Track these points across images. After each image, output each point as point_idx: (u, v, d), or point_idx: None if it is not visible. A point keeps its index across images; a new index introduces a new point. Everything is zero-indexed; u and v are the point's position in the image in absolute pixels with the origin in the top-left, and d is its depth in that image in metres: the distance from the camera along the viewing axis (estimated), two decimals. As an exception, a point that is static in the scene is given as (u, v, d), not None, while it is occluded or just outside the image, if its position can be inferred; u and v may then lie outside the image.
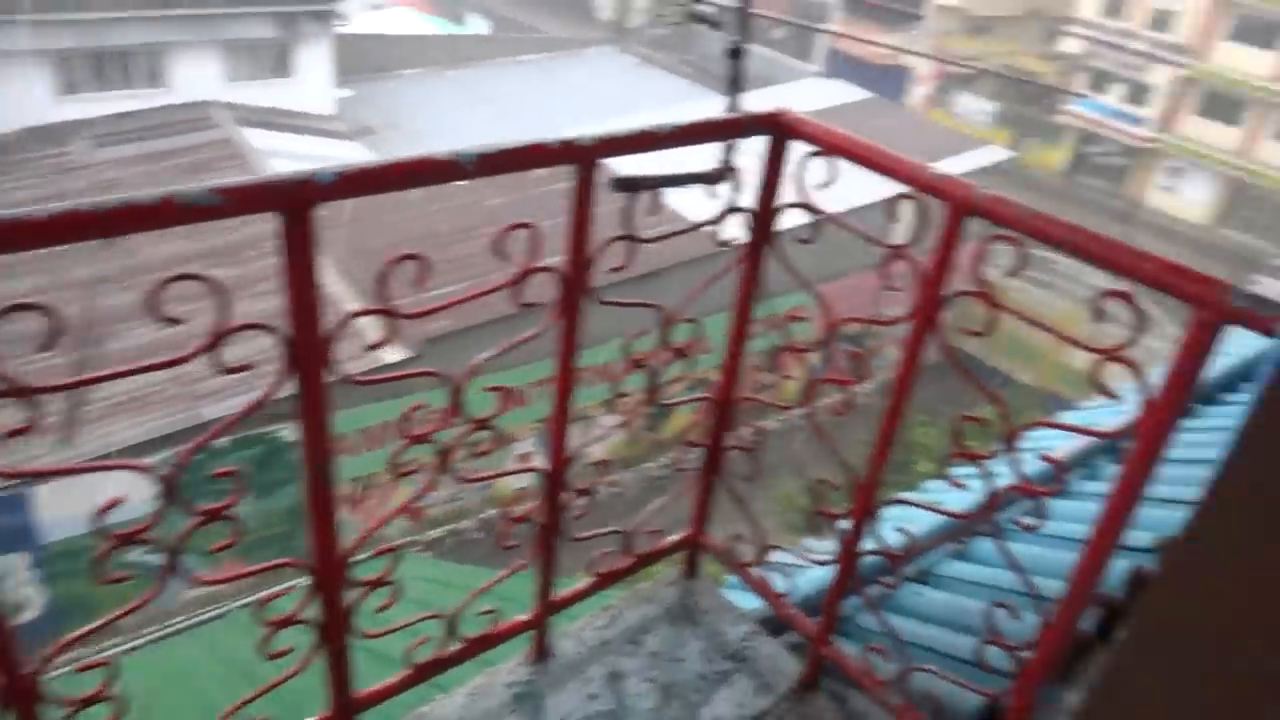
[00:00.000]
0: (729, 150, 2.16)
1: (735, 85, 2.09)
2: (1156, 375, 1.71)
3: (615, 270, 2.01)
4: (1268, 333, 1.59)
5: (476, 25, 39.13)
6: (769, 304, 2.34)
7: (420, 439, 1.88)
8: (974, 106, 36.36)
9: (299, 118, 21.02)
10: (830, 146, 2.04)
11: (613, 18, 40.54)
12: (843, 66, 32.00)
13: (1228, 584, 0.88)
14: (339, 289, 12.66)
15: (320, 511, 1.75)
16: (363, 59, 24.23)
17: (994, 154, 21.58)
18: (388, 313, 1.64)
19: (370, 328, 1.68)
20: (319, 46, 21.42)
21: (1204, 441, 3.83)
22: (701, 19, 2.02)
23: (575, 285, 1.94)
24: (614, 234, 1.96)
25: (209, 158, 18.04)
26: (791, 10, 44.83)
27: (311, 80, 21.58)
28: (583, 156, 1.81)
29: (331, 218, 13.22)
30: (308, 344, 1.57)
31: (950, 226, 1.86)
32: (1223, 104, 31.75)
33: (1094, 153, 35.11)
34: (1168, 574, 1.06)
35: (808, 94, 21.79)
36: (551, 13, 47.76)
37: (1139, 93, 33.48)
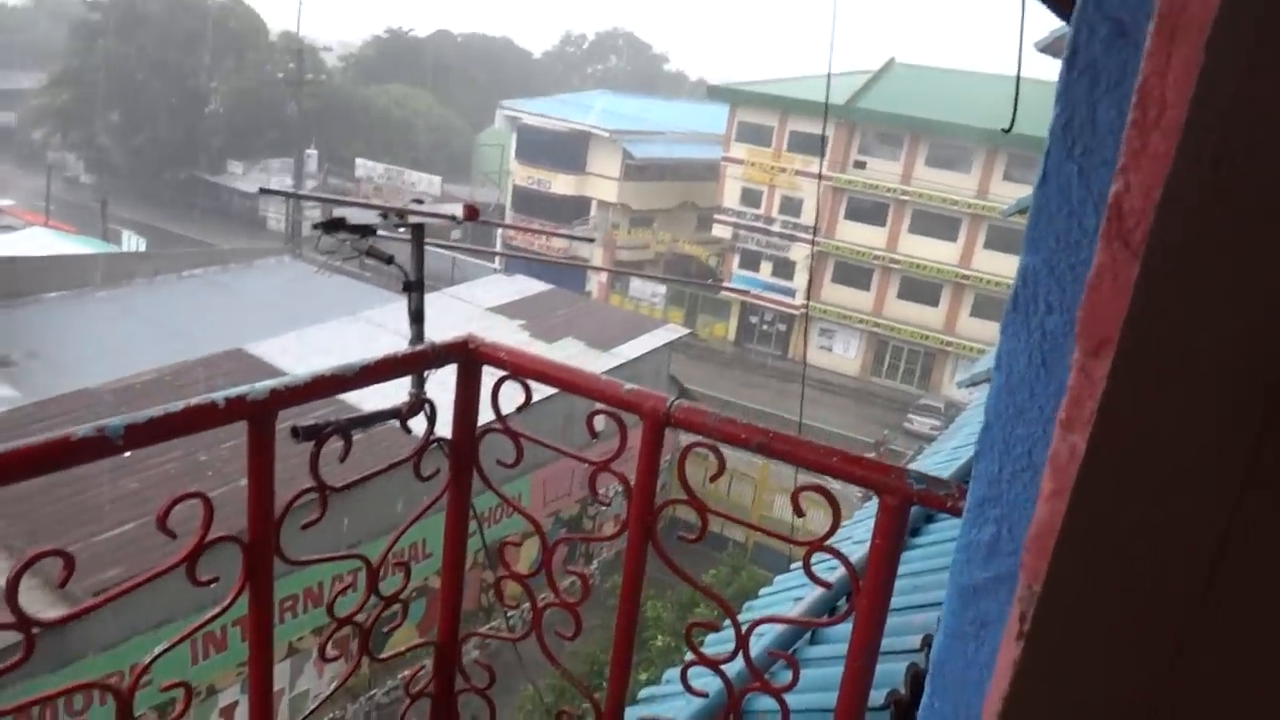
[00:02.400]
0: (420, 382, 2.07)
1: (418, 319, 2.04)
2: (859, 553, 1.79)
3: (308, 526, 1.82)
4: (945, 509, 1.74)
5: (132, 243, 36.83)
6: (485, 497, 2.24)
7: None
8: (647, 290, 39.35)
9: (-84, 353, 18.33)
10: (521, 370, 2.02)
11: (284, 229, 39.99)
12: (520, 262, 33.51)
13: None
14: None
15: None
16: (-3, 284, 21.84)
17: (673, 332, 23.27)
18: (25, 623, 1.34)
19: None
20: (-60, 274, 19.05)
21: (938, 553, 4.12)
22: (373, 254, 1.96)
23: (260, 550, 1.72)
24: (303, 487, 1.78)
25: None
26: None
27: (-68, 311, 19.03)
28: (256, 412, 1.64)
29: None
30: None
31: (648, 439, 1.88)
32: (852, 272, 36.90)
33: (756, 322, 39.10)
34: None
35: (492, 290, 22.48)
36: (221, 226, 46.34)
37: (783, 267, 38.05)
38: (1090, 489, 0.62)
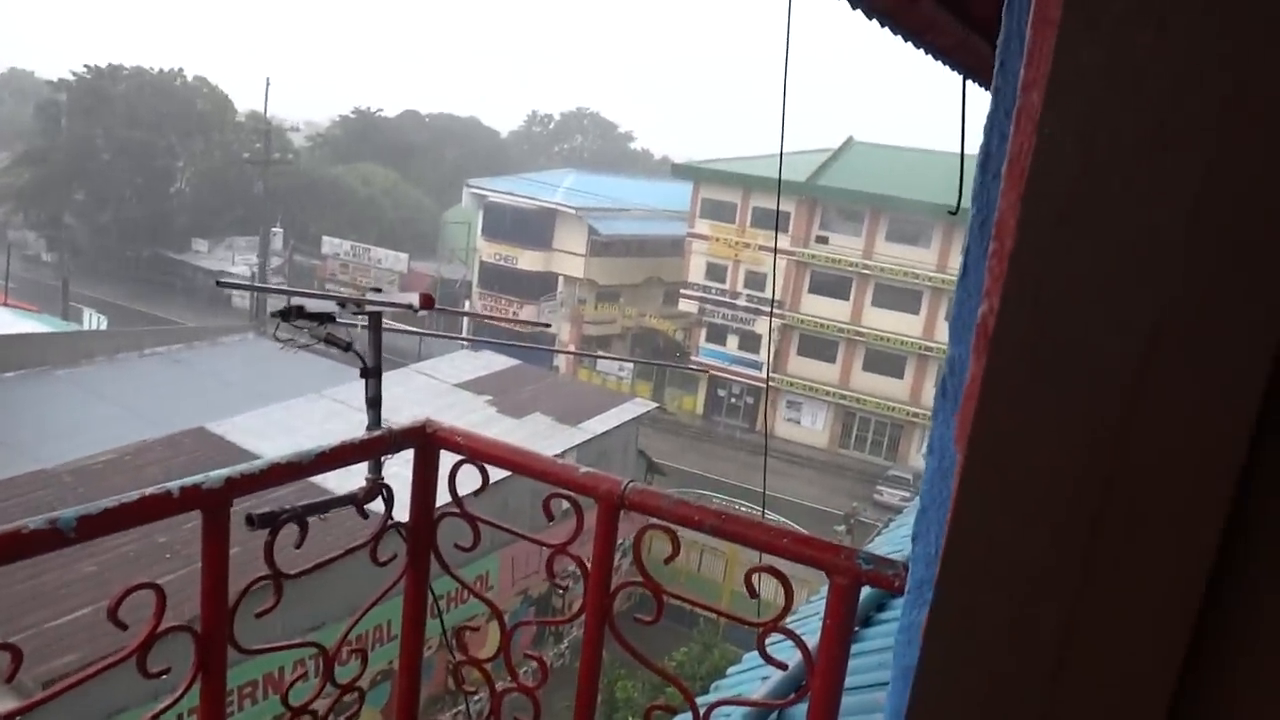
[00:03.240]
0: (377, 467, 2.09)
1: (375, 405, 2.06)
2: (813, 634, 1.81)
3: (263, 614, 1.81)
4: (893, 590, 1.77)
5: (93, 321, 36.45)
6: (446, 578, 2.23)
7: None
8: (615, 364, 39.47)
9: None
10: (478, 454, 2.04)
11: (249, 306, 39.83)
12: (483, 334, 33.55)
13: None
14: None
15: None
16: (-48, 363, 21.47)
17: (641, 406, 23.32)
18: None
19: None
20: (-107, 354, 18.72)
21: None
22: (332, 341, 1.99)
23: (214, 640, 1.71)
24: (257, 575, 1.78)
25: None
26: (431, 289, 46.90)
27: (-117, 392, 18.63)
28: (210, 502, 1.65)
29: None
30: None
31: (604, 522, 1.91)
32: (818, 344, 37.34)
33: (724, 395, 39.28)
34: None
35: (460, 366, 22.46)
36: (185, 305, 46.08)
37: (750, 341, 38.41)
38: (954, 585, 0.67)
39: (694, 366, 37.79)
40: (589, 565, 1.94)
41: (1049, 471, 0.60)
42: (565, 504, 1.99)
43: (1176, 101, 0.52)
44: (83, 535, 1.46)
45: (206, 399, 20.79)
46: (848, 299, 36.72)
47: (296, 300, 2.01)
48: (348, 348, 2.04)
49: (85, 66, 52.11)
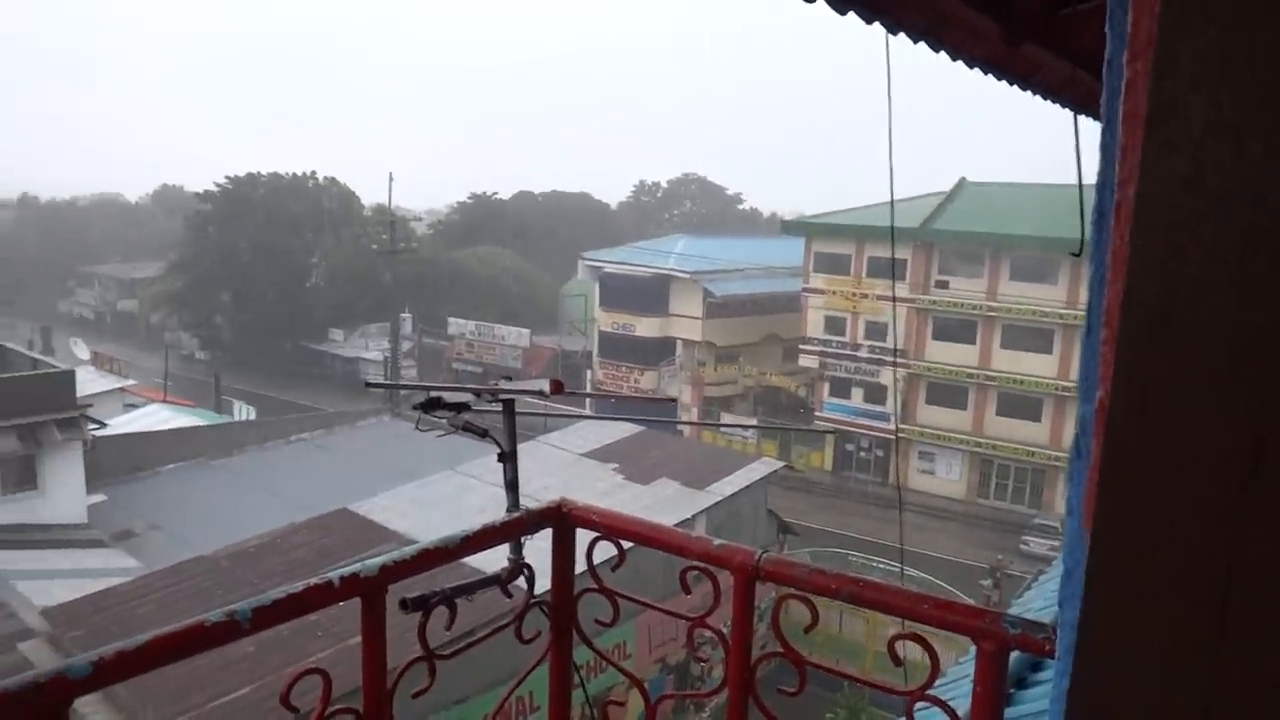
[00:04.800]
0: (518, 547, 2.16)
1: (513, 488, 2.15)
2: (964, 699, 1.76)
3: (419, 694, 1.90)
4: (1044, 654, 1.71)
5: (243, 412, 38.72)
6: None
7: None
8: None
9: (47, 531, 19.38)
10: (613, 530, 2.09)
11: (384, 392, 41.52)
12: (608, 405, 33.94)
13: None
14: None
15: None
16: (120, 460, 23.12)
17: (767, 465, 23.06)
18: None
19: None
20: (69, 454, 20.31)
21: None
22: (469, 429, 2.09)
23: (376, 718, 1.80)
24: (412, 656, 1.87)
25: (-63, 592, 16.00)
26: (553, 362, 47.96)
27: (61, 490, 20.20)
28: (368, 588, 1.75)
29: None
30: None
31: (740, 594, 1.92)
32: (946, 391, 36.22)
33: (853, 450, 38.43)
34: None
35: (585, 435, 22.76)
36: (325, 391, 48.46)
37: (876, 392, 37.60)
38: (1090, 662, 0.67)
39: (817, 428, 37.14)
40: (728, 637, 1.95)
41: (1170, 556, 0.61)
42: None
43: (1257, 207, 0.54)
44: (257, 626, 1.57)
45: (348, 480, 21.69)
46: (974, 343, 35.61)
47: (435, 393, 2.13)
48: (484, 434, 2.14)
49: (227, 177, 56.34)
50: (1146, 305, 0.58)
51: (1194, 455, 0.60)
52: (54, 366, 22.85)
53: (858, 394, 38.16)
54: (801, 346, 39.99)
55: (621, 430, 23.58)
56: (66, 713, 1.33)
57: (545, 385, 2.21)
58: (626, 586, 2.16)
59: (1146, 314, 0.58)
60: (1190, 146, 0.55)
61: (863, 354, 37.83)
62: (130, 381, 39.06)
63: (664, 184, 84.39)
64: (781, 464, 26.13)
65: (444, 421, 2.13)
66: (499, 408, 2.26)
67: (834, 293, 38.36)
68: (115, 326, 69.76)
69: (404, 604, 1.89)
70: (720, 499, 19.26)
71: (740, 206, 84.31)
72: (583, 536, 2.19)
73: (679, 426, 37.30)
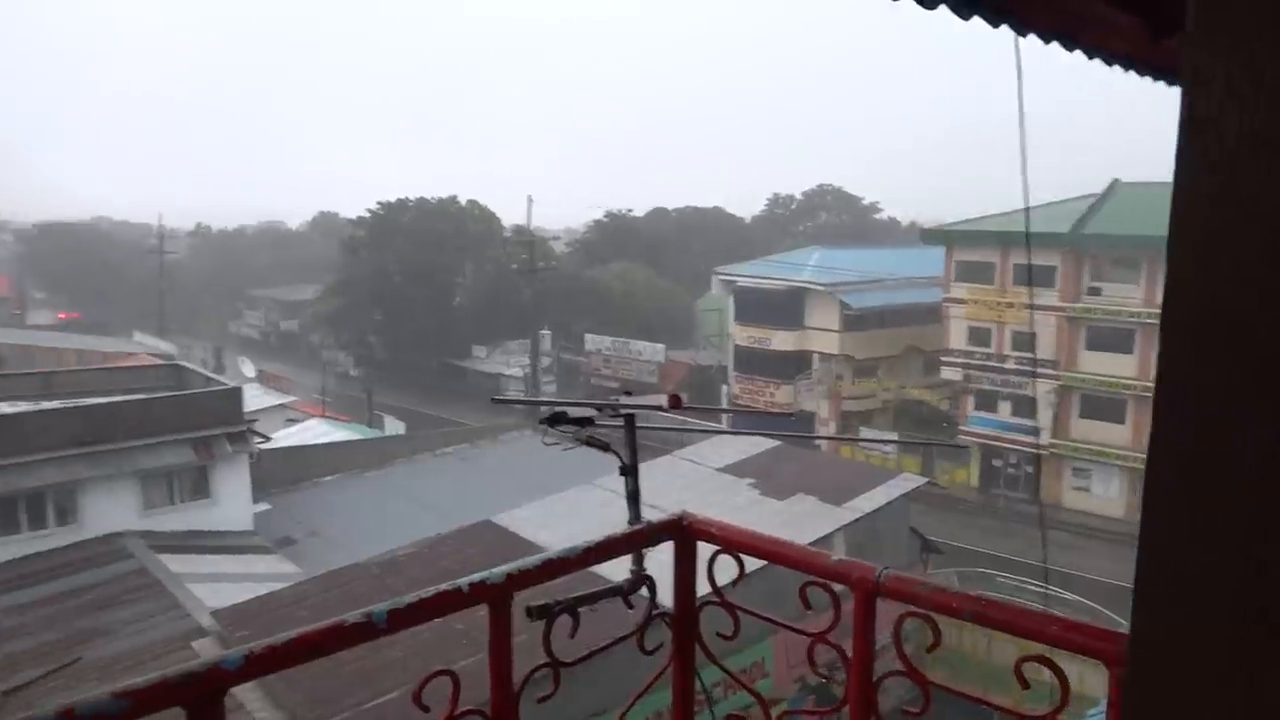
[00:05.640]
0: (639, 559, 2.21)
1: (634, 500, 2.20)
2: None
3: (544, 700, 1.96)
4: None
5: (393, 427, 40.55)
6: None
7: None
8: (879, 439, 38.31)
9: (218, 537, 20.78)
10: (733, 544, 2.11)
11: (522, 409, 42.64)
12: (743, 418, 33.74)
13: None
14: None
15: None
16: (281, 472, 24.60)
17: (909, 481, 22.42)
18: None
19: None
20: (237, 466, 21.73)
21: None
22: (592, 442, 2.16)
23: (502, 722, 1.88)
24: (538, 662, 1.94)
25: (120, 590, 17.40)
26: (688, 376, 48.09)
27: (230, 499, 21.64)
28: (494, 595, 1.83)
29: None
30: None
31: (861, 610, 1.90)
32: (1102, 404, 34.31)
33: (1000, 466, 36.88)
34: None
35: (721, 450, 22.70)
36: (469, 406, 50.17)
37: (1024, 405, 35.99)
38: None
39: (955, 443, 35.83)
40: (849, 654, 1.94)
41: (1211, 570, 0.59)
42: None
43: None
44: (393, 627, 1.67)
45: (491, 493, 22.37)
46: (1132, 353, 33.62)
47: (560, 408, 2.20)
48: (606, 447, 2.20)
49: (378, 203, 59.29)
50: (1183, 317, 0.57)
51: (1231, 468, 0.58)
52: (224, 384, 24.53)
53: (1005, 407, 36.64)
54: (943, 359, 38.75)
55: (757, 445, 23.40)
56: (222, 700, 1.45)
57: (664, 401, 2.26)
58: (761, 603, 2.16)
59: (1183, 326, 0.57)
60: (1223, 159, 0.54)
61: (1009, 365, 36.31)
62: (292, 398, 41.56)
63: (798, 196, 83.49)
64: (924, 480, 25.35)
65: (569, 435, 2.20)
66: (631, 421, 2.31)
67: (977, 302, 37.02)
68: (279, 346, 74.32)
69: (529, 611, 1.96)
70: (859, 515, 18.84)
71: (877, 216, 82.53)
72: (705, 550, 2.22)
73: (816, 441, 36.74)
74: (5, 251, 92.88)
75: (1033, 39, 2.99)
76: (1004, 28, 2.83)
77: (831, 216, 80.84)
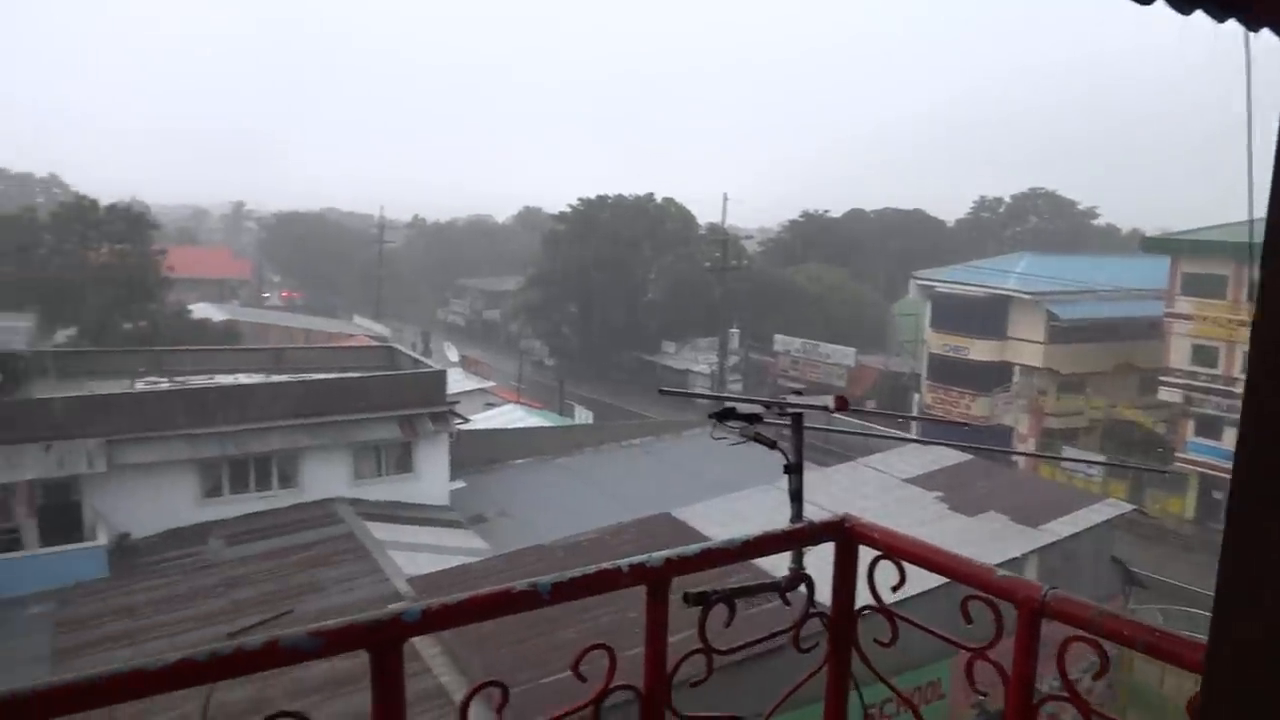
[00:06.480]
0: (799, 557, 2.23)
1: (797, 498, 2.22)
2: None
3: (696, 684, 2.02)
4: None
5: (582, 416, 41.86)
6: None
7: None
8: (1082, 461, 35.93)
9: (418, 510, 22.20)
10: (895, 550, 2.09)
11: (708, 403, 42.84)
12: (933, 428, 32.51)
13: None
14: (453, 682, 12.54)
15: None
16: (477, 452, 25.94)
17: (1113, 508, 20.92)
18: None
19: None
20: (438, 444, 23.11)
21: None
22: (760, 439, 2.19)
23: (654, 702, 1.95)
24: (692, 647, 2.00)
25: (331, 552, 18.93)
26: (878, 382, 46.81)
27: (430, 475, 23.04)
28: (653, 578, 1.91)
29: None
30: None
31: (1023, 629, 1.85)
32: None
33: (1220, 498, 33.72)
34: None
35: (909, 460, 22.02)
36: (656, 400, 50.99)
37: (1253, 436, 32.75)
38: None
39: (1169, 469, 33.00)
40: (1009, 674, 1.89)
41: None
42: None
43: None
44: (556, 598, 1.78)
45: (672, 486, 22.71)
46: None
47: (729, 403, 2.26)
48: (773, 445, 2.23)
49: (579, 199, 61.20)
50: (1271, 344, 0.54)
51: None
52: (431, 367, 26.12)
53: (1230, 435, 33.44)
54: (1162, 378, 35.79)
55: (948, 457, 22.52)
56: (401, 648, 1.61)
57: (830, 401, 2.26)
58: (941, 623, 2.10)
59: (1275, 337, 0.54)
60: None
61: (1239, 390, 33.11)
62: (491, 383, 43.67)
63: (1007, 199, 79.32)
64: (1131, 507, 23.56)
65: (736, 431, 2.25)
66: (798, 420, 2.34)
67: (1205, 319, 33.95)
68: (481, 333, 78.24)
69: (686, 598, 2.03)
70: (1055, 539, 17.78)
71: (1094, 222, 77.15)
72: (866, 556, 2.20)
73: (1013, 458, 34.90)
74: (249, 238, 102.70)
75: (1266, 35, 2.75)
76: (1231, 23, 2.63)
77: (1043, 221, 76.33)
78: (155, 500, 19.79)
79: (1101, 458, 35.69)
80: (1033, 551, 17.22)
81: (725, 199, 47.26)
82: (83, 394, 20.75)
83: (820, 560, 2.24)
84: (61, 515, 19.29)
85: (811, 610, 2.21)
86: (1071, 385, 39.51)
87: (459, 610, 1.71)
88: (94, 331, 36.78)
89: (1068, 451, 36.34)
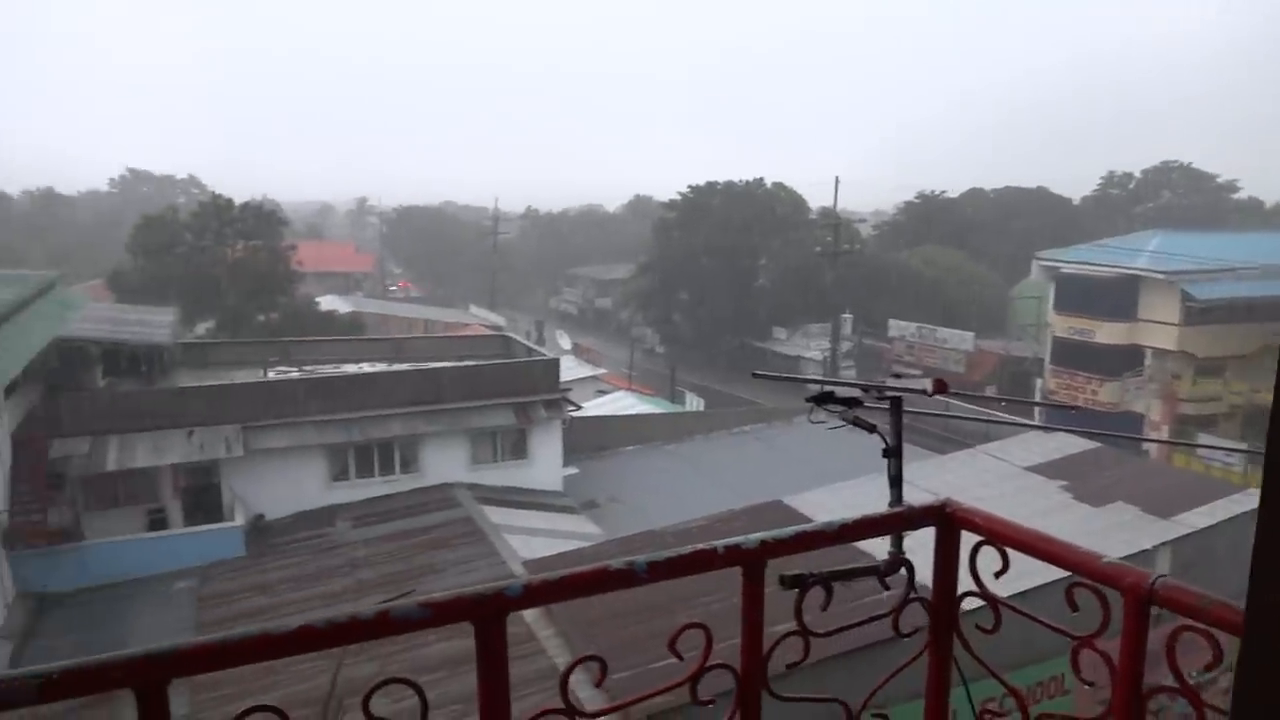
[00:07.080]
0: (899, 541, 2.22)
1: (896, 483, 2.20)
2: None
3: (793, 666, 2.04)
4: None
5: (693, 403, 41.91)
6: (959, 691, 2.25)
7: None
8: (1221, 451, 33.95)
9: (532, 495, 22.72)
10: (997, 536, 2.06)
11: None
12: (1059, 414, 31.24)
13: None
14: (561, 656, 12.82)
15: None
16: (589, 439, 26.32)
17: (1254, 499, 19.71)
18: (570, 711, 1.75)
19: (552, 730, 1.77)
20: (551, 431, 23.56)
21: None
22: (858, 423, 2.19)
23: (750, 681, 1.98)
24: (787, 629, 2.02)
25: (449, 535, 19.59)
26: (998, 367, 45.25)
27: (543, 461, 23.53)
28: (748, 559, 1.93)
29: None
30: (493, 748, 1.69)
31: (1131, 618, 1.80)
32: None
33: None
34: None
35: (1031, 448, 21.26)
36: (766, 387, 50.63)
37: None
38: None
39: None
40: (1116, 663, 1.84)
41: None
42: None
43: None
44: (652, 577, 1.83)
45: (782, 473, 22.56)
46: None
47: (827, 387, 2.26)
48: (872, 429, 2.22)
49: (689, 187, 61.09)
50: None
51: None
52: (544, 355, 26.63)
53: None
54: (1313, 362, 33.44)
55: (1073, 444, 21.64)
56: (504, 621, 1.68)
57: (928, 385, 2.23)
58: (1054, 617, 2.05)
59: None
60: None
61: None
62: (602, 371, 44.21)
63: (1137, 174, 75.24)
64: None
65: (835, 415, 2.25)
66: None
67: (1363, 298, 31.58)
68: (593, 321, 79.19)
69: (783, 580, 2.05)
70: (1190, 531, 16.89)
71: (1234, 196, 72.45)
72: (968, 541, 2.17)
73: (1144, 446, 33.27)
74: (372, 232, 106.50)
75: None
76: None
77: (1177, 197, 72.15)
78: (287, 483, 20.87)
79: (1243, 445, 33.62)
80: (1164, 544, 16.42)
81: (837, 182, 46.30)
82: (221, 383, 22.02)
83: (921, 547, 2.22)
84: (203, 497, 20.55)
85: (912, 595, 2.19)
86: (1209, 369, 37.33)
87: (558, 586, 1.78)
88: (230, 324, 38.93)
89: (1204, 439, 34.38)
